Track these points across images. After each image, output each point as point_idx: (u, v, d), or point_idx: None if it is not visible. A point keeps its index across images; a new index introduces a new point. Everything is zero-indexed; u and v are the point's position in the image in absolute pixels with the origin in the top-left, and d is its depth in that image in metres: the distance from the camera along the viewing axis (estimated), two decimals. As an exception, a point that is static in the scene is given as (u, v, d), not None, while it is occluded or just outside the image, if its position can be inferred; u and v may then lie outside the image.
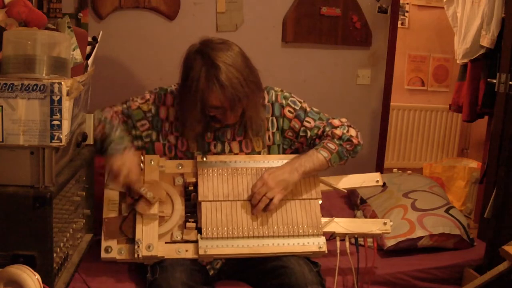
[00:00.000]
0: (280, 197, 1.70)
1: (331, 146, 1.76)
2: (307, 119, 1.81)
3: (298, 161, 1.74)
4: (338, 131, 1.78)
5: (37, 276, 1.22)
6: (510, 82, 2.19)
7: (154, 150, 1.78)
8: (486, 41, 2.85)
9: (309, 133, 1.81)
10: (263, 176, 1.71)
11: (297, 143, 1.84)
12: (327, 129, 1.80)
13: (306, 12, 2.71)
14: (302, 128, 1.81)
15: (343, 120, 1.84)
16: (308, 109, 1.83)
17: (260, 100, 1.76)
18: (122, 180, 1.60)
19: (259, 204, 1.68)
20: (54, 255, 1.37)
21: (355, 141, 1.79)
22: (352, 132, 1.80)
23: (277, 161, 1.78)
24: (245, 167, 1.76)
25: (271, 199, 1.68)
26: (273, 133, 1.82)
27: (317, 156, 1.74)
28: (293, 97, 1.84)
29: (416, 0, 4.28)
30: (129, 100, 1.80)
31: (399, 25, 3.16)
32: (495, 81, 2.28)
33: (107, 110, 1.76)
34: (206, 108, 1.65)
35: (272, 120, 1.81)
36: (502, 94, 2.23)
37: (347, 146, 1.77)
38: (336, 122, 1.82)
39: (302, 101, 1.84)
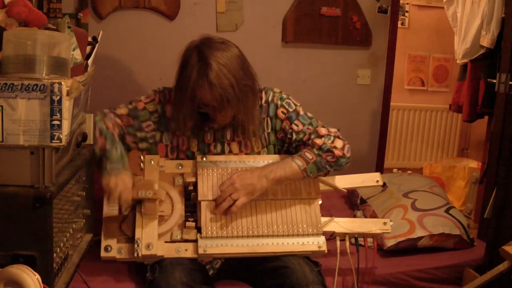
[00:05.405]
0: (244, 200, 1.66)
1: (309, 155, 1.70)
2: (296, 122, 1.77)
3: (270, 167, 1.70)
4: (318, 141, 1.71)
5: (37, 276, 1.22)
6: (510, 82, 2.19)
7: (157, 151, 1.78)
8: (486, 41, 2.85)
9: (294, 136, 1.76)
10: (232, 176, 1.69)
11: (287, 144, 1.82)
12: (312, 136, 1.74)
13: (306, 12, 2.71)
14: (290, 130, 1.78)
15: (332, 130, 1.76)
16: (301, 112, 1.79)
17: (255, 104, 1.73)
18: (115, 198, 1.61)
19: (222, 204, 1.66)
20: (54, 255, 1.37)
21: (338, 152, 1.70)
22: (338, 143, 1.71)
23: (275, 161, 1.77)
24: (244, 167, 1.76)
25: (235, 201, 1.66)
26: (268, 133, 1.81)
27: (291, 165, 1.69)
28: (290, 100, 1.81)
29: (416, 0, 4.29)
30: (133, 100, 1.79)
31: (399, 25, 3.16)
32: (495, 81, 2.27)
33: (109, 116, 1.74)
34: (195, 103, 1.65)
35: (267, 121, 1.80)
36: (502, 94, 2.22)
37: (328, 158, 1.70)
38: (322, 131, 1.74)
39: (298, 104, 1.81)
